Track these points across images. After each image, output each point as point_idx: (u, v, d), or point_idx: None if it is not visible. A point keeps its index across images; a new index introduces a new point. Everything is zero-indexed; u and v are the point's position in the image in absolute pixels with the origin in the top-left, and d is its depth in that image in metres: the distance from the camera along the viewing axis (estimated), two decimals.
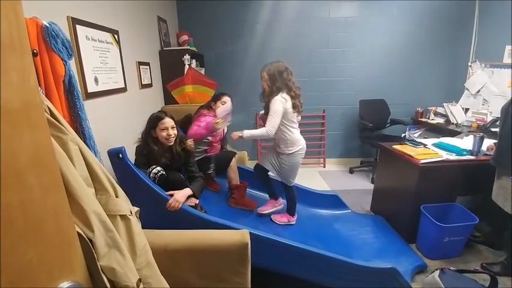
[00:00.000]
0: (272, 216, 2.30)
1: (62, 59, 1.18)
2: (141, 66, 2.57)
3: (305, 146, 2.19)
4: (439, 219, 2.05)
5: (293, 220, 2.30)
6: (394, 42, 3.81)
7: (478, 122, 3.34)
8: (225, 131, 2.49)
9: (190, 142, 1.97)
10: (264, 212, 2.31)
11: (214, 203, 2.26)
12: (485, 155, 2.18)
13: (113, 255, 0.71)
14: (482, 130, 2.98)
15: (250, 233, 1.40)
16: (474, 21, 3.61)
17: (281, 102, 1.99)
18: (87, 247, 0.66)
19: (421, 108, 3.92)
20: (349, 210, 2.63)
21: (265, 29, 3.78)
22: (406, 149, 2.33)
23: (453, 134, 3.04)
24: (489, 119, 3.22)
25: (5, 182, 0.45)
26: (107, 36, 1.98)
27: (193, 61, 3.31)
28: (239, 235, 1.36)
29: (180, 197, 1.61)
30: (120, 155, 1.49)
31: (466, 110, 3.60)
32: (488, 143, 2.23)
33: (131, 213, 0.85)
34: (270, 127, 1.98)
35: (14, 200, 0.46)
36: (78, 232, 0.64)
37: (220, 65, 3.88)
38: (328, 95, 4.01)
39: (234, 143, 2.92)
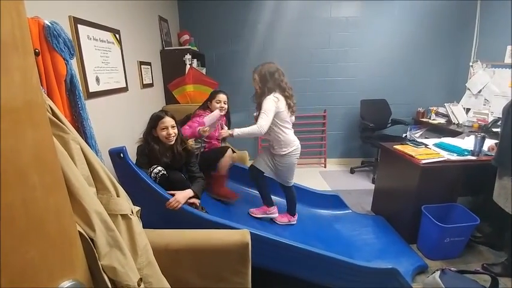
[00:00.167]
0: (277, 218, 2.30)
1: (64, 59, 1.18)
2: (142, 66, 2.58)
3: (299, 146, 2.17)
4: (440, 219, 2.05)
5: (294, 220, 2.30)
6: (395, 42, 3.80)
7: (479, 122, 3.33)
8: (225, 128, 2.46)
9: (191, 142, 1.98)
10: (254, 215, 2.29)
11: (215, 203, 2.26)
12: (486, 155, 2.17)
13: (114, 254, 0.71)
14: (484, 130, 2.97)
15: (250, 232, 1.39)
16: (475, 21, 3.60)
17: (273, 101, 1.98)
18: (89, 246, 0.66)
19: (422, 108, 3.92)
20: (350, 211, 2.63)
21: (266, 28, 3.78)
22: (407, 149, 2.33)
23: (454, 134, 3.04)
24: (490, 119, 3.21)
25: (8, 180, 0.45)
26: (109, 36, 1.99)
27: (195, 61, 3.31)
28: (240, 235, 1.36)
29: (181, 197, 1.61)
30: (121, 155, 1.49)
31: (468, 110, 3.59)
32: (489, 143, 2.22)
33: (132, 212, 0.85)
34: (262, 124, 1.95)
35: (17, 198, 0.46)
36: (79, 231, 0.64)
37: (222, 64, 3.89)
38: (329, 95, 4.01)
39: (233, 142, 2.91)
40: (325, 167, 4.21)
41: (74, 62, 1.37)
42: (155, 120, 1.78)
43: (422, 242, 2.22)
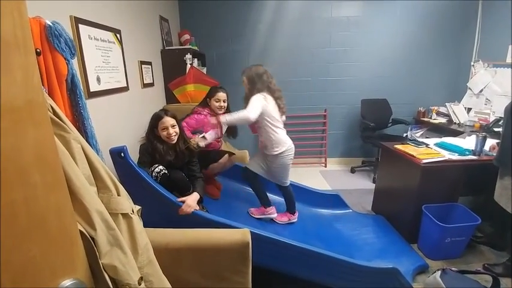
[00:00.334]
0: (276, 217, 2.29)
1: (65, 58, 1.18)
2: (143, 66, 2.58)
3: (293, 147, 2.15)
4: (441, 219, 2.05)
5: (294, 218, 2.30)
6: (397, 42, 3.80)
7: (480, 121, 3.32)
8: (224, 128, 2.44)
9: (193, 141, 1.98)
10: (253, 216, 2.29)
11: (216, 202, 2.27)
12: (488, 155, 2.17)
13: (114, 253, 0.71)
14: (485, 130, 2.97)
15: (251, 232, 1.40)
16: (477, 20, 3.59)
17: (261, 97, 1.99)
18: (89, 245, 0.66)
19: (423, 108, 3.91)
20: (350, 210, 2.63)
21: (267, 28, 3.78)
22: (408, 148, 2.33)
23: (455, 133, 3.03)
24: (492, 118, 3.20)
25: (9, 179, 0.45)
26: (109, 36, 1.99)
27: (195, 60, 3.32)
28: (240, 234, 1.36)
29: (192, 201, 1.63)
30: (122, 154, 1.49)
31: (469, 110, 3.59)
32: (490, 143, 2.21)
33: (133, 211, 0.85)
34: (250, 110, 1.93)
35: (18, 197, 0.47)
36: (80, 230, 0.64)
37: (222, 64, 3.89)
38: (330, 95, 4.01)
39: (234, 142, 2.92)
40: (325, 166, 4.21)
41: (75, 62, 1.37)
42: (155, 120, 1.79)
43: (423, 242, 2.21)
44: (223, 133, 2.36)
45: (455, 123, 3.52)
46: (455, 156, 2.18)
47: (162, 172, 1.68)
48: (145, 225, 0.95)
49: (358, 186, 3.46)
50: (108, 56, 1.97)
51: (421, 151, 2.26)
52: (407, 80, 3.93)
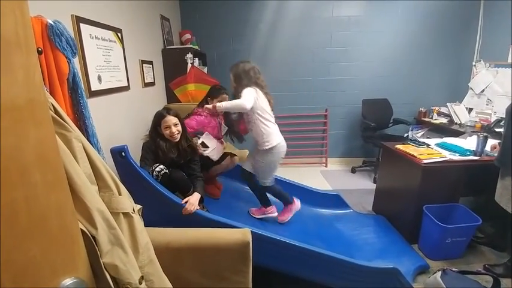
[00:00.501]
0: (278, 218, 2.27)
1: (66, 57, 1.18)
2: (144, 65, 2.58)
3: (284, 144, 2.09)
4: (442, 219, 2.04)
5: (295, 206, 2.24)
6: (398, 41, 3.79)
7: (481, 122, 3.32)
8: (222, 128, 2.44)
9: (195, 140, 1.99)
10: (253, 215, 2.27)
11: (216, 202, 2.27)
12: (489, 155, 2.17)
13: (115, 252, 0.71)
14: (486, 130, 2.96)
15: (251, 231, 1.40)
16: (479, 20, 3.58)
17: (252, 89, 1.96)
18: (90, 244, 0.66)
19: (424, 108, 3.91)
20: (351, 210, 2.63)
21: (268, 28, 3.78)
22: (409, 148, 2.33)
23: (456, 134, 3.03)
24: (493, 119, 3.20)
25: (11, 178, 0.45)
26: (110, 35, 1.99)
27: (196, 60, 3.32)
28: (241, 234, 1.36)
29: (194, 200, 1.64)
30: (123, 153, 1.49)
31: (470, 110, 3.58)
32: (491, 143, 2.21)
33: (134, 210, 0.85)
34: (245, 98, 1.89)
35: (19, 196, 0.47)
36: (81, 229, 0.64)
37: (223, 64, 3.88)
38: (331, 94, 4.01)
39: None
40: (326, 166, 4.20)
41: (76, 61, 1.37)
42: (158, 118, 1.81)
43: (424, 242, 2.21)
44: (224, 134, 2.36)
45: (456, 123, 3.51)
46: (456, 157, 2.18)
47: (162, 171, 1.69)
48: (145, 225, 0.95)
49: (358, 186, 3.46)
50: (109, 55, 1.97)
51: (422, 151, 2.26)
52: (408, 80, 3.93)
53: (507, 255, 2.09)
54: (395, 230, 2.38)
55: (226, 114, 2.28)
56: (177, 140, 1.82)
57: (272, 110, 2.11)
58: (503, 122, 2.48)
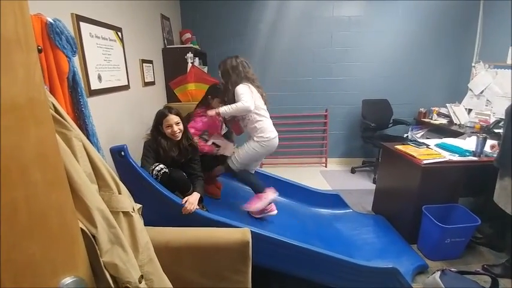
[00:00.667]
0: (245, 206, 2.10)
1: (66, 56, 1.18)
2: (144, 64, 2.58)
3: (276, 141, 2.04)
4: (441, 220, 2.05)
5: (267, 195, 2.06)
6: (398, 42, 3.79)
7: (481, 123, 3.32)
8: (223, 127, 2.44)
9: (197, 139, 2.00)
10: (253, 216, 2.14)
11: (216, 202, 2.26)
12: (488, 156, 2.17)
13: (115, 251, 0.71)
14: (485, 131, 2.97)
15: (251, 231, 1.40)
16: (478, 21, 3.59)
17: (245, 86, 1.95)
18: (90, 243, 0.66)
19: (424, 109, 3.91)
20: (351, 210, 2.63)
21: (268, 28, 3.78)
22: (409, 149, 2.33)
23: (456, 134, 3.04)
24: (492, 120, 3.20)
25: (11, 176, 0.45)
26: (111, 34, 1.99)
27: (196, 59, 3.31)
28: (240, 233, 1.36)
29: (194, 200, 1.64)
30: (122, 153, 1.49)
31: (469, 111, 3.58)
32: (491, 143, 2.21)
33: (134, 210, 0.85)
34: (245, 99, 1.87)
35: (19, 195, 0.47)
36: (81, 228, 0.64)
37: None
38: (331, 95, 4.01)
39: (238, 142, 2.91)
40: (326, 166, 4.21)
41: (76, 60, 1.37)
42: (160, 117, 1.82)
43: (423, 243, 2.22)
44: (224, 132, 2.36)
45: (455, 124, 3.52)
46: (455, 157, 2.18)
47: (162, 171, 1.69)
48: (145, 224, 0.95)
49: (358, 187, 3.46)
50: (109, 54, 1.97)
51: (421, 152, 2.26)
52: (408, 80, 3.93)
53: (505, 255, 2.10)
54: (395, 230, 2.38)
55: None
56: (179, 138, 1.83)
57: (266, 103, 2.09)
58: (502, 123, 2.48)
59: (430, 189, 2.17)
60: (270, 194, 2.08)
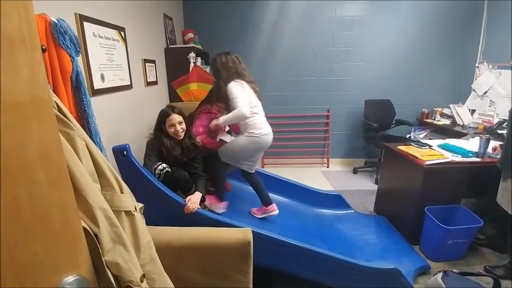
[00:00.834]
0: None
1: (70, 56, 1.19)
2: (146, 64, 2.59)
3: (268, 138, 2.00)
4: (443, 221, 2.04)
5: (274, 210, 2.14)
6: (401, 42, 3.78)
7: (484, 123, 3.31)
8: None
9: (199, 139, 2.01)
10: (254, 215, 2.23)
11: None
12: (491, 157, 2.16)
13: (117, 250, 0.71)
14: (489, 132, 2.95)
15: (252, 231, 1.40)
16: (482, 21, 3.56)
17: (236, 85, 1.92)
18: (93, 242, 0.67)
19: (427, 109, 3.89)
20: (352, 210, 2.63)
21: (270, 28, 3.78)
22: (411, 149, 2.32)
23: (459, 135, 3.02)
24: (496, 120, 3.18)
25: (14, 175, 0.45)
26: (114, 34, 2.00)
27: (199, 59, 3.32)
28: (241, 233, 1.36)
29: (196, 199, 1.65)
30: (125, 152, 1.50)
31: (473, 112, 3.56)
32: (494, 145, 2.20)
33: (136, 209, 0.85)
34: (240, 105, 1.85)
35: (23, 193, 0.47)
36: (83, 227, 0.64)
37: None
38: (334, 95, 4.00)
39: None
40: (328, 166, 4.20)
41: (79, 59, 1.38)
42: (163, 116, 1.83)
43: (425, 244, 2.21)
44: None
45: (459, 124, 3.50)
46: (458, 158, 2.17)
47: (165, 170, 1.70)
48: (147, 224, 0.95)
49: (360, 187, 3.46)
50: (112, 54, 1.97)
51: (424, 152, 2.25)
52: (411, 80, 3.92)
53: (508, 257, 2.08)
54: (397, 230, 2.37)
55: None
56: (181, 137, 1.84)
57: (260, 99, 2.06)
58: (506, 124, 2.47)
59: (433, 190, 2.16)
60: (274, 210, 2.18)
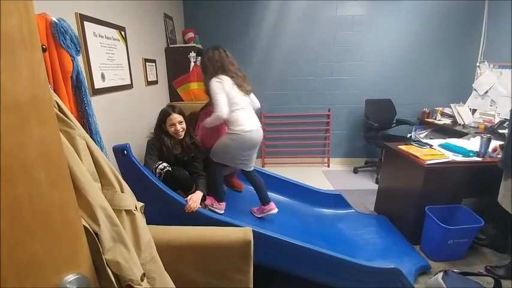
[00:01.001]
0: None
1: (70, 55, 1.19)
2: (147, 63, 2.59)
3: (249, 133, 1.91)
4: (444, 221, 2.04)
5: (273, 209, 2.10)
6: (401, 42, 3.77)
7: (485, 123, 3.30)
8: None
9: (199, 138, 2.02)
10: (254, 215, 2.20)
11: None
12: (491, 157, 2.15)
13: (118, 249, 0.71)
14: (490, 131, 2.94)
15: (253, 230, 1.40)
16: (483, 21, 3.56)
17: (216, 83, 1.89)
18: (93, 241, 0.67)
19: (427, 109, 3.89)
20: (353, 210, 2.63)
21: (271, 27, 3.78)
22: (412, 149, 2.32)
23: (460, 135, 3.02)
24: (497, 120, 3.18)
25: (15, 175, 0.45)
26: (114, 33, 2.00)
27: (199, 58, 3.31)
28: (242, 233, 1.36)
29: (197, 198, 1.66)
30: (125, 152, 1.50)
31: (474, 111, 3.56)
32: (495, 144, 2.20)
33: (136, 208, 0.85)
34: (217, 108, 1.84)
35: (23, 193, 0.47)
36: (84, 226, 0.64)
37: None
38: (334, 94, 4.00)
39: None
40: (328, 166, 4.20)
41: (80, 59, 1.38)
42: (163, 116, 1.84)
43: (426, 243, 2.21)
44: None
45: (459, 124, 3.50)
46: (459, 158, 2.17)
47: (165, 169, 1.70)
48: (147, 223, 0.95)
49: (360, 187, 3.45)
50: (113, 54, 1.97)
51: (424, 152, 2.25)
52: (411, 80, 3.91)
53: (509, 257, 2.08)
54: (397, 230, 2.37)
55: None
56: (182, 137, 1.85)
57: (248, 92, 2.01)
58: (507, 123, 2.47)
59: (433, 189, 2.16)
60: (273, 209, 2.13)
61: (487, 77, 3.45)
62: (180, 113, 1.86)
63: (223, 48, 2.04)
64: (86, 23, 1.65)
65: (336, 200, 2.64)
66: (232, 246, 1.33)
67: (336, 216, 2.54)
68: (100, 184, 0.78)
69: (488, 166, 2.07)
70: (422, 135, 3.70)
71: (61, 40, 1.14)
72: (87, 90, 1.31)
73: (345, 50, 3.83)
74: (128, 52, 2.19)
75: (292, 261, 1.66)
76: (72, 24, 1.45)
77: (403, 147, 2.40)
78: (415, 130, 3.83)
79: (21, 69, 0.47)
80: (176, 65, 3.10)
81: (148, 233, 0.87)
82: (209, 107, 2.26)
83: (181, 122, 1.84)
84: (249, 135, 1.92)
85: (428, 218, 2.11)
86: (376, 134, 3.65)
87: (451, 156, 2.18)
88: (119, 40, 2.06)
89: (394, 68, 3.86)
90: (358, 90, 3.94)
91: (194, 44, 3.32)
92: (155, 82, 2.81)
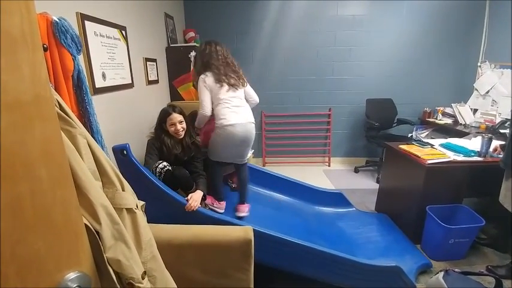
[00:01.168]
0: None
1: (71, 54, 1.19)
2: (147, 63, 2.59)
3: (232, 127, 1.87)
4: (445, 220, 2.04)
5: (220, 205, 2.05)
6: (402, 41, 3.76)
7: (486, 123, 3.29)
8: None
9: (199, 138, 2.02)
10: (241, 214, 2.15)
11: None
12: (493, 156, 2.15)
13: (119, 247, 0.72)
14: (491, 131, 2.94)
15: (253, 229, 1.40)
16: (484, 21, 3.55)
17: (201, 81, 1.93)
18: (94, 239, 0.67)
19: (428, 108, 3.88)
20: (354, 208, 2.63)
21: (272, 26, 3.77)
22: (413, 149, 2.31)
23: (461, 134, 3.01)
24: (498, 120, 3.17)
25: (16, 173, 0.46)
26: (115, 32, 2.00)
27: None
28: (242, 231, 1.36)
29: (197, 197, 1.66)
30: (125, 152, 1.50)
31: (475, 111, 3.55)
32: (496, 144, 2.19)
33: (137, 206, 0.86)
34: (200, 105, 1.93)
35: (25, 190, 0.47)
36: (85, 224, 0.65)
37: None
38: (335, 94, 4.00)
39: None
40: (329, 165, 4.20)
41: (81, 58, 1.38)
42: (164, 115, 1.85)
43: (427, 243, 2.20)
44: None
45: (461, 124, 3.49)
46: (460, 157, 2.17)
47: (165, 168, 1.70)
48: (148, 222, 0.96)
49: (361, 186, 3.45)
50: (114, 53, 1.98)
51: (426, 151, 2.24)
52: (413, 80, 3.90)
53: (510, 256, 2.08)
54: (398, 228, 2.37)
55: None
56: (182, 136, 1.86)
57: (233, 86, 1.96)
58: (508, 123, 2.46)
59: (434, 189, 2.15)
60: (221, 209, 2.06)
61: (488, 76, 3.44)
62: (181, 112, 1.86)
63: (215, 42, 2.02)
64: (86, 23, 1.66)
65: (337, 198, 2.64)
66: (232, 244, 1.34)
67: (336, 215, 2.54)
68: (101, 182, 0.78)
69: (490, 166, 2.07)
70: (423, 135, 3.70)
71: (62, 39, 1.15)
72: (88, 89, 1.31)
73: (346, 49, 3.83)
74: (129, 51, 2.20)
75: (293, 260, 1.66)
76: (73, 24, 1.46)
77: (404, 146, 2.40)
78: (416, 130, 3.82)
79: (22, 69, 0.47)
80: (177, 64, 3.10)
81: (149, 231, 0.87)
82: None
83: (181, 122, 1.85)
84: (230, 129, 1.87)
85: (429, 217, 2.11)
86: (377, 134, 3.65)
87: (452, 156, 2.18)
88: (119, 39, 2.06)
89: (395, 67, 3.85)
90: (359, 90, 3.94)
91: (195, 44, 3.33)
92: (156, 81, 2.82)
